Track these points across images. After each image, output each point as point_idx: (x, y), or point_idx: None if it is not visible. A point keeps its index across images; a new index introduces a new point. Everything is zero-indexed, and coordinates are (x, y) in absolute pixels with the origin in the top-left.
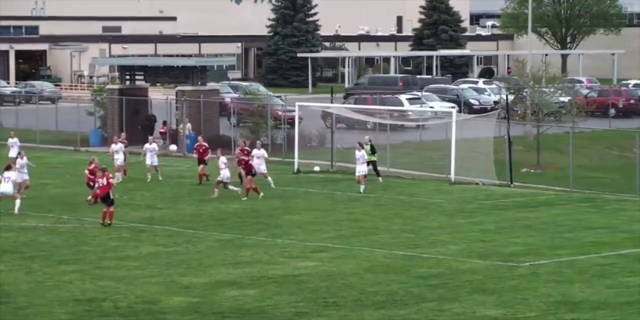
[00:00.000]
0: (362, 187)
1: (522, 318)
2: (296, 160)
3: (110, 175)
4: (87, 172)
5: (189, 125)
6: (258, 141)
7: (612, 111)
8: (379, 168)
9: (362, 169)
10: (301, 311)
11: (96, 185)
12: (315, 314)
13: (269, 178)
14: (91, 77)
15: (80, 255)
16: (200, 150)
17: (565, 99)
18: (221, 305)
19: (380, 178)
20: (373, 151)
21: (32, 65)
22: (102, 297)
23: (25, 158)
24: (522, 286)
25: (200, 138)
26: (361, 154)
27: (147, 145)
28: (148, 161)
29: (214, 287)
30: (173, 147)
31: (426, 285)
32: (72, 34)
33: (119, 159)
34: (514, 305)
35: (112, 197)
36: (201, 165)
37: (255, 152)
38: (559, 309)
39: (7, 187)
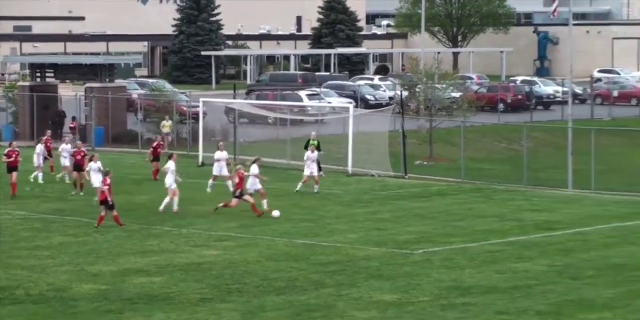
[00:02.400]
0: (299, 185)
1: (416, 302)
2: (201, 153)
3: (108, 180)
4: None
5: (170, 122)
6: (221, 143)
7: (501, 106)
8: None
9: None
10: (206, 297)
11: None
12: (219, 300)
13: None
14: (3, 75)
15: None
16: (158, 149)
17: (457, 94)
18: (129, 292)
19: (321, 172)
20: (319, 148)
21: None
22: (15, 286)
23: None
24: (416, 272)
25: (158, 137)
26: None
27: (63, 146)
28: (66, 162)
29: (122, 275)
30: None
31: (325, 272)
32: None
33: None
34: (408, 291)
35: (111, 201)
36: (155, 162)
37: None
38: (451, 293)
39: None
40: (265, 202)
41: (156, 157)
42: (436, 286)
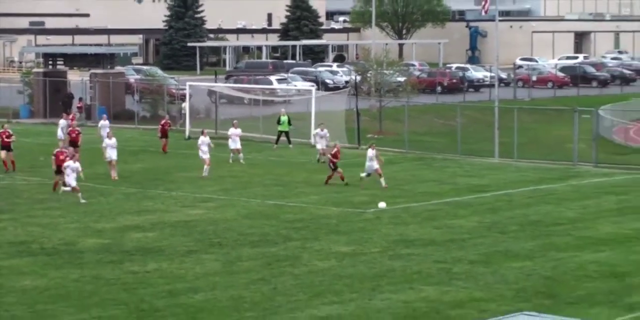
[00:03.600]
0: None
1: (368, 253)
2: (187, 128)
3: (65, 153)
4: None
5: (185, 104)
6: (235, 121)
7: (439, 88)
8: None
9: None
10: (192, 249)
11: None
12: (203, 252)
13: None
14: (20, 63)
15: (13, 206)
16: (166, 126)
17: (402, 79)
18: (127, 245)
19: (290, 145)
20: (289, 122)
21: None
22: (30, 240)
23: None
24: (368, 228)
25: (166, 116)
26: (323, 133)
27: (62, 121)
28: (61, 135)
29: (121, 231)
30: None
31: (292, 227)
32: (4, 28)
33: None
34: (361, 243)
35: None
36: (164, 139)
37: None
38: (397, 245)
39: None
40: (382, 180)
41: (164, 134)
42: (384, 239)
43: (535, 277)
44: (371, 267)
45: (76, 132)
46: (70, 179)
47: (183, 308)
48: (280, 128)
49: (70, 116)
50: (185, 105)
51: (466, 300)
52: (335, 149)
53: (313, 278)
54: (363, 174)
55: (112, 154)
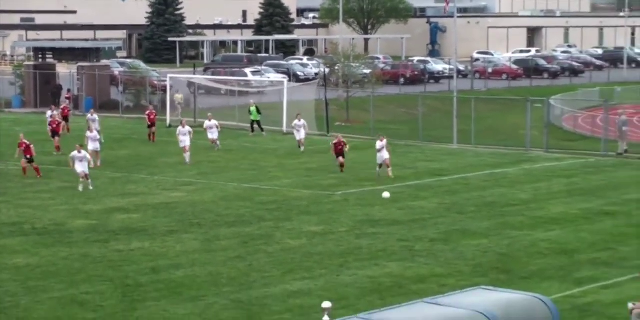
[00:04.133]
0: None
1: (336, 232)
2: (168, 117)
3: (25, 142)
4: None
5: (181, 95)
6: (209, 114)
7: (402, 80)
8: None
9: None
10: (173, 229)
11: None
12: (183, 231)
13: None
14: (12, 56)
15: (5, 190)
16: (152, 116)
17: (367, 71)
18: (113, 225)
19: (264, 133)
20: (259, 112)
21: None
22: (22, 221)
23: None
24: (336, 209)
25: (150, 106)
26: (301, 123)
27: (49, 112)
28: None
29: (107, 213)
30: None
31: (266, 209)
32: None
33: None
34: (330, 223)
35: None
36: (151, 128)
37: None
38: (363, 225)
39: None
40: (389, 170)
41: (151, 123)
42: (352, 220)
43: (491, 254)
44: (339, 245)
45: (57, 123)
46: (80, 167)
47: (165, 283)
48: (252, 118)
49: (62, 106)
50: (180, 96)
51: (427, 275)
52: (336, 140)
53: (285, 255)
54: (378, 168)
55: (93, 145)
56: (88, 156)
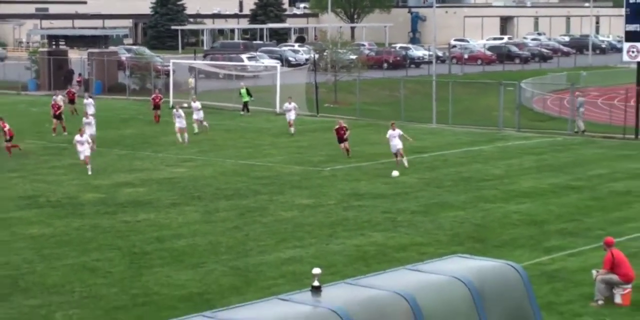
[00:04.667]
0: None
1: (325, 205)
2: (171, 99)
3: (7, 125)
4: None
5: (192, 79)
6: (193, 96)
7: (385, 65)
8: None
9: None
10: (175, 202)
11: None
12: (185, 204)
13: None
14: (28, 43)
15: (21, 166)
16: (157, 99)
17: (354, 57)
18: (121, 198)
19: (249, 113)
20: (249, 94)
21: None
22: (38, 195)
23: None
24: (325, 184)
25: (156, 90)
26: (292, 106)
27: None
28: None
29: (115, 187)
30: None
31: (260, 183)
32: (13, 13)
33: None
34: (320, 197)
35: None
36: (156, 110)
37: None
38: (350, 198)
39: None
40: (405, 160)
41: (156, 106)
42: (339, 193)
43: (467, 225)
44: (328, 216)
45: (57, 106)
46: (81, 153)
47: (168, 252)
48: (243, 99)
49: (67, 90)
50: (192, 80)
51: (408, 244)
52: (338, 126)
53: (279, 226)
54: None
55: (90, 130)
56: (89, 139)
